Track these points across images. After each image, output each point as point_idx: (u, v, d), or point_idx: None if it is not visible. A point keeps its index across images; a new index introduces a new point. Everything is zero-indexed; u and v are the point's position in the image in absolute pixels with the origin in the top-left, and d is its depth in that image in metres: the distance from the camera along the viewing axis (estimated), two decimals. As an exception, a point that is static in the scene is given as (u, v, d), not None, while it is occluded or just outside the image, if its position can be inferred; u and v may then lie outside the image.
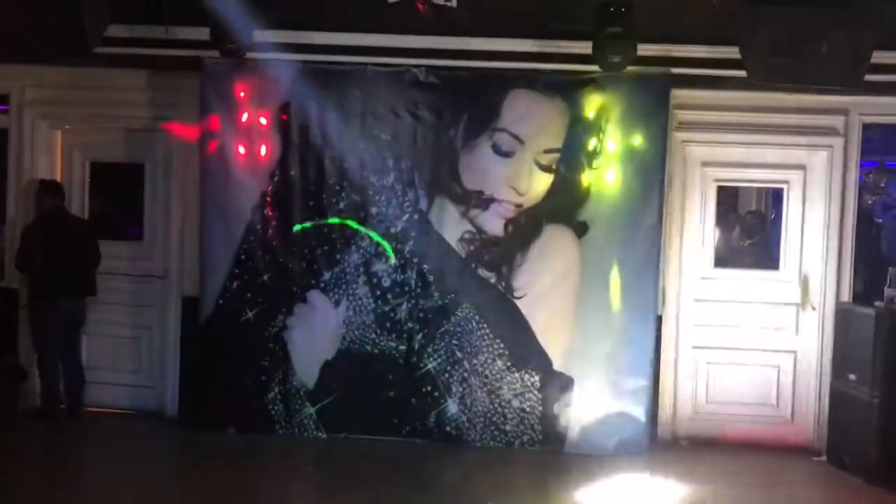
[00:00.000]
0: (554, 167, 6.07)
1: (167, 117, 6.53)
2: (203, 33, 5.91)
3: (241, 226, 6.21)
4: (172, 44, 6.26)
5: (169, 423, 6.47)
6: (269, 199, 6.22)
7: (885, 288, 5.73)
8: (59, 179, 6.64)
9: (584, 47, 5.86)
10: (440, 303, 6.15)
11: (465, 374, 6.13)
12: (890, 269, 5.83)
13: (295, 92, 6.15)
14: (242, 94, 6.14)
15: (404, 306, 6.17)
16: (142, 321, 6.71)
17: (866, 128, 6.42)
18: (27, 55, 6.06)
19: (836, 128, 6.35)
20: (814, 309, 6.39)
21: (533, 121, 6.07)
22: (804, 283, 6.40)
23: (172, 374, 6.59)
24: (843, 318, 6.14)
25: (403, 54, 6.23)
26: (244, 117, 6.16)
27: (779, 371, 6.46)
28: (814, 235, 6.41)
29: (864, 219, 6.71)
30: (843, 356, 6.05)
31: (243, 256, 6.22)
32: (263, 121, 6.16)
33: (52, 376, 6.38)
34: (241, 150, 6.17)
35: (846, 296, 6.32)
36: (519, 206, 6.10)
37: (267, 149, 6.18)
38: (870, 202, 7.27)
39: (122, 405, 6.65)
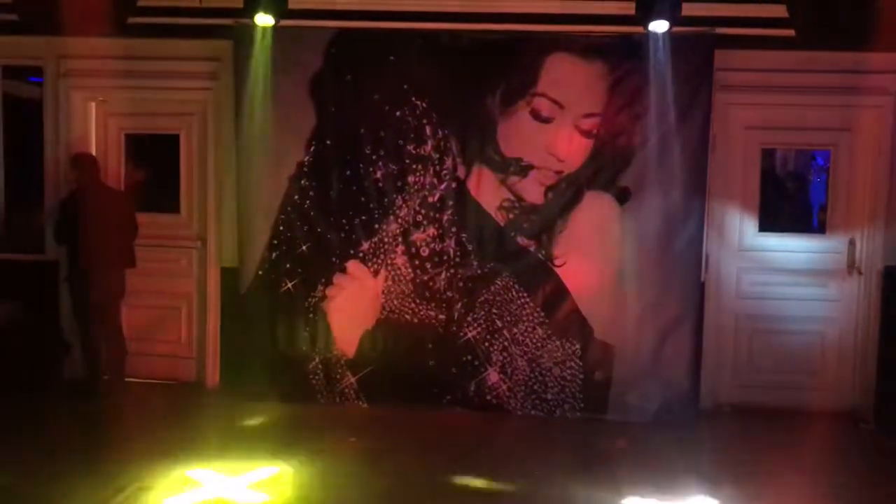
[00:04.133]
0: (595, 132, 5.95)
1: (201, 87, 6.48)
2: (237, 0, 5.82)
3: (278, 196, 6.18)
4: (206, 12, 6.19)
5: (210, 394, 6.51)
6: (305, 169, 6.16)
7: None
8: (94, 151, 6.64)
9: (627, 7, 5.71)
10: (479, 271, 6.09)
11: (506, 343, 6.10)
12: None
13: (329, 59, 6.07)
14: (277, 62, 6.06)
15: (443, 275, 6.12)
16: (181, 292, 6.74)
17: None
18: (61, 26, 6.00)
19: (886, 87, 6.14)
20: (860, 273, 6.26)
21: (573, 85, 5.94)
22: (851, 248, 6.27)
23: (213, 345, 6.62)
24: (892, 283, 6.01)
25: (439, 19, 6.10)
26: (279, 85, 6.09)
27: (823, 337, 6.36)
28: (861, 198, 6.26)
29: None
30: (892, 322, 5.93)
31: (282, 227, 6.19)
32: (298, 89, 6.09)
33: (94, 348, 6.42)
34: (277, 119, 6.11)
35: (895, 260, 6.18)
36: (559, 172, 5.99)
37: (302, 118, 6.12)
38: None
39: (162, 376, 6.71)
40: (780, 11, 5.84)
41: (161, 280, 6.72)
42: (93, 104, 6.73)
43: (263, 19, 5.86)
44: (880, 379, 6.05)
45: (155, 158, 6.87)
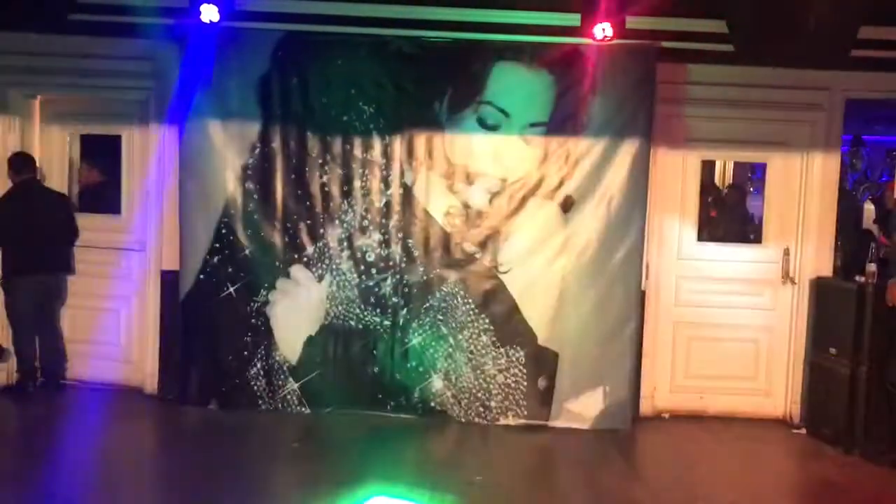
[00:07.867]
0: (540, 141, 6.02)
1: (145, 87, 6.36)
2: (182, 1, 5.75)
3: (221, 199, 6.10)
4: (150, 11, 6.07)
5: (149, 399, 6.39)
6: (250, 171, 6.10)
7: (867, 263, 5.78)
8: (35, 151, 6.48)
9: (573, 19, 5.80)
10: (425, 278, 6.11)
11: (450, 350, 6.12)
12: (871, 244, 5.88)
13: (276, 62, 6.02)
14: (222, 64, 5.99)
15: (389, 281, 6.12)
16: (120, 294, 6.59)
17: (849, 103, 6.44)
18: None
19: (820, 103, 6.35)
20: (794, 283, 6.45)
21: (519, 94, 6.01)
22: (785, 258, 6.45)
23: (152, 349, 6.49)
24: (822, 293, 6.21)
25: (388, 24, 6.11)
26: (224, 87, 6.02)
27: (758, 344, 6.53)
28: (795, 210, 6.44)
29: (847, 194, 6.75)
30: (822, 330, 6.12)
31: (224, 230, 6.11)
32: (244, 91, 6.02)
33: (28, 351, 6.29)
34: (222, 120, 6.04)
35: (826, 270, 6.37)
36: (504, 180, 6.06)
37: (248, 120, 6.05)
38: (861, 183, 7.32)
39: (101, 380, 6.55)
40: (720, 27, 5.99)
41: (101, 282, 6.56)
42: (34, 102, 6.57)
43: (209, 13, 5.78)
44: (810, 386, 6.24)
45: (96, 159, 6.73)
